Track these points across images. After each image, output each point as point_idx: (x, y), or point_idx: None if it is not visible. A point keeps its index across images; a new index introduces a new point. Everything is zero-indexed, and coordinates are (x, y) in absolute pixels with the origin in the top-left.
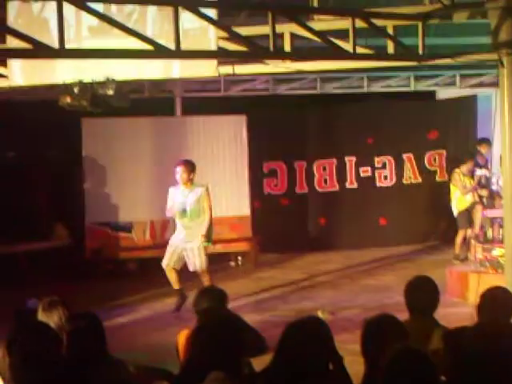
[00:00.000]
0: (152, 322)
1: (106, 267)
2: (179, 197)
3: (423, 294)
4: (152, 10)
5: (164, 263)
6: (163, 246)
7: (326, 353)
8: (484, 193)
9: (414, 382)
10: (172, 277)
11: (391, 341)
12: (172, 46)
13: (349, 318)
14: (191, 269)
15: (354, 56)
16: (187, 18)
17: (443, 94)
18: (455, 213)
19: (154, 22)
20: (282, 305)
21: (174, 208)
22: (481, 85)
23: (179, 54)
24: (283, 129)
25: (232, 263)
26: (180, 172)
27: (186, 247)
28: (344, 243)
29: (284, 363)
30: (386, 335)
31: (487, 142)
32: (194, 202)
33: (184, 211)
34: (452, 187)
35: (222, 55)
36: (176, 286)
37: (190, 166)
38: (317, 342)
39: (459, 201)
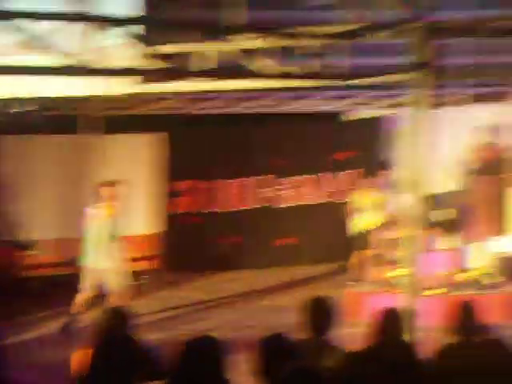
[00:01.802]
0: (54, 340)
1: (11, 285)
2: (99, 217)
3: (320, 313)
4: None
5: (82, 287)
6: (67, 264)
7: (221, 373)
8: (382, 216)
9: None
10: (83, 300)
11: (285, 360)
12: (94, 63)
13: (249, 337)
14: (106, 291)
15: (280, 75)
16: (112, 34)
17: (351, 114)
18: (353, 233)
19: (78, 38)
20: (181, 324)
21: (96, 230)
22: (394, 105)
23: (100, 70)
24: (193, 148)
25: (139, 282)
26: (104, 192)
27: (105, 269)
28: (247, 263)
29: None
30: (280, 355)
31: (387, 163)
32: (113, 222)
33: (104, 232)
34: (353, 207)
35: (144, 72)
36: (75, 310)
37: (116, 187)
38: (212, 361)
39: (357, 221)
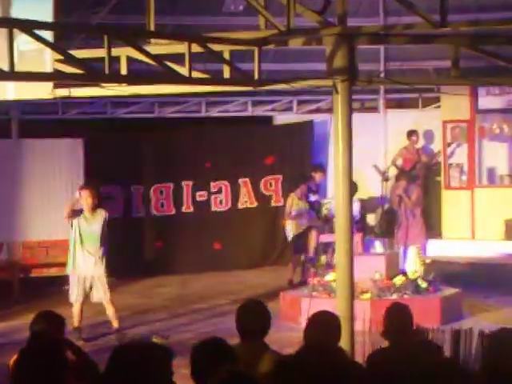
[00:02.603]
0: None
1: None
2: (84, 223)
3: (254, 318)
4: None
5: (73, 299)
6: None
7: (161, 378)
8: (313, 223)
9: None
10: (78, 312)
11: (220, 364)
12: (6, 68)
13: (182, 343)
14: (95, 299)
15: (190, 80)
16: (23, 40)
17: (280, 119)
18: (290, 237)
19: None
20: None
21: (77, 236)
22: (317, 110)
23: (13, 75)
24: (120, 152)
25: (67, 287)
26: (85, 197)
27: (94, 276)
28: (179, 267)
29: None
30: (215, 359)
31: (321, 168)
32: (97, 227)
33: (88, 238)
34: (284, 212)
35: (57, 77)
36: (77, 323)
37: (96, 191)
38: (149, 366)
39: (294, 225)
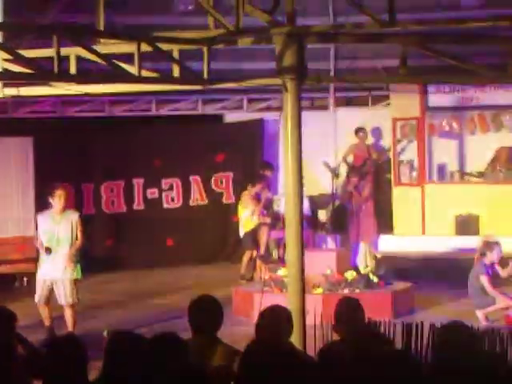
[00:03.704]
0: None
1: None
2: (49, 224)
3: (206, 312)
4: None
5: (36, 299)
6: None
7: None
8: (267, 219)
9: None
10: (44, 313)
11: (171, 359)
12: None
13: None
14: (62, 302)
15: (139, 79)
16: None
17: (231, 117)
18: (241, 233)
19: None
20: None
21: (45, 237)
22: (268, 109)
23: None
24: (70, 151)
25: (17, 284)
26: (59, 196)
27: (57, 278)
28: (132, 264)
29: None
30: (166, 354)
31: (271, 165)
32: (67, 228)
33: (56, 239)
34: (240, 208)
35: (5, 77)
36: (47, 322)
37: (67, 191)
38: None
39: (245, 222)
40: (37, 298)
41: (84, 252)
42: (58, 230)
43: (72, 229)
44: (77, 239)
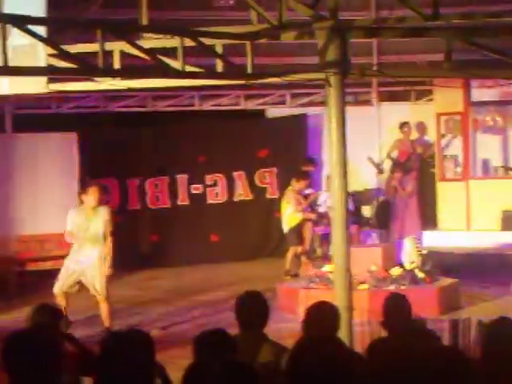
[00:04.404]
0: None
1: None
2: (82, 219)
3: (252, 309)
4: None
5: (56, 288)
6: None
7: (146, 367)
8: (311, 215)
9: None
10: (62, 302)
11: (221, 355)
12: (0, 63)
13: (180, 334)
14: (97, 296)
15: (183, 74)
16: (17, 35)
17: (273, 112)
18: (286, 229)
19: None
20: (114, 320)
21: (76, 231)
22: (311, 104)
23: (7, 70)
24: (115, 146)
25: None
26: (92, 193)
27: (87, 273)
28: (176, 260)
29: (107, 377)
30: (216, 349)
31: (314, 161)
32: (99, 224)
33: (88, 235)
34: (283, 204)
35: (50, 72)
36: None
37: (102, 188)
38: (136, 355)
39: (290, 218)
40: (58, 286)
41: (130, 248)
42: (89, 226)
43: (104, 224)
44: (107, 235)
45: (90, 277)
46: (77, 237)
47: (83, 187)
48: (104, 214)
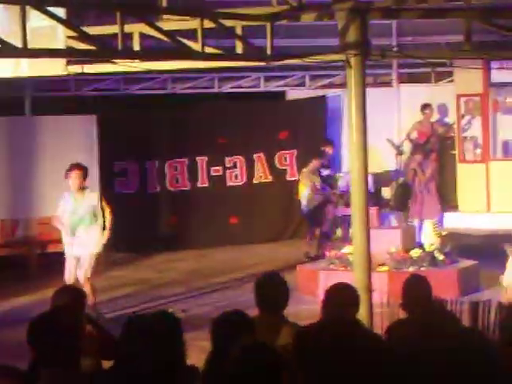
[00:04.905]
0: (2, 321)
1: None
2: (71, 203)
3: (272, 290)
4: None
5: (66, 278)
6: (14, 245)
7: (173, 348)
8: (330, 197)
9: (258, 375)
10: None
11: (238, 336)
12: (19, 45)
13: (200, 316)
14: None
15: (203, 55)
16: (36, 17)
17: (293, 94)
18: (305, 211)
19: (1, 21)
20: (133, 303)
21: (65, 216)
22: (330, 85)
23: (26, 52)
24: (134, 128)
25: None
26: (73, 177)
27: (79, 255)
28: (196, 242)
29: (128, 359)
30: (235, 331)
31: (331, 142)
32: (88, 208)
33: (77, 218)
34: (301, 186)
35: (70, 54)
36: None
37: (84, 171)
38: (161, 336)
39: (308, 199)
40: (67, 276)
41: (150, 230)
42: (77, 210)
43: (93, 208)
44: (97, 218)
45: (82, 259)
46: (66, 221)
47: (66, 171)
48: (91, 199)
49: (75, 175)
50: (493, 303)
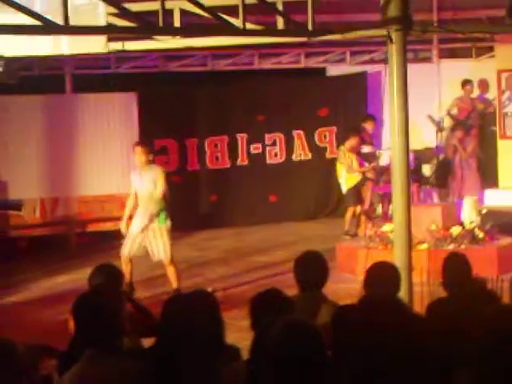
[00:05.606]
0: (43, 300)
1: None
2: (137, 180)
3: (312, 269)
4: None
5: (123, 252)
6: (53, 223)
7: (213, 327)
8: (370, 174)
9: (301, 352)
10: (127, 268)
11: (278, 314)
12: (60, 22)
13: (239, 295)
14: (155, 258)
15: (244, 32)
16: None
17: (333, 70)
18: (344, 190)
19: None
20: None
21: (134, 192)
22: (371, 61)
23: (67, 29)
24: (174, 106)
25: (122, 241)
26: (138, 153)
27: (149, 233)
28: (235, 220)
29: (168, 339)
30: (273, 310)
31: (372, 118)
32: (150, 185)
33: (144, 195)
34: (338, 165)
35: (110, 31)
36: (129, 277)
37: (148, 147)
38: (202, 315)
39: (348, 178)
40: (124, 251)
41: (190, 208)
42: (142, 186)
43: (154, 185)
44: (159, 192)
45: (153, 243)
46: (138, 198)
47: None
48: (154, 173)
49: (139, 151)
50: None
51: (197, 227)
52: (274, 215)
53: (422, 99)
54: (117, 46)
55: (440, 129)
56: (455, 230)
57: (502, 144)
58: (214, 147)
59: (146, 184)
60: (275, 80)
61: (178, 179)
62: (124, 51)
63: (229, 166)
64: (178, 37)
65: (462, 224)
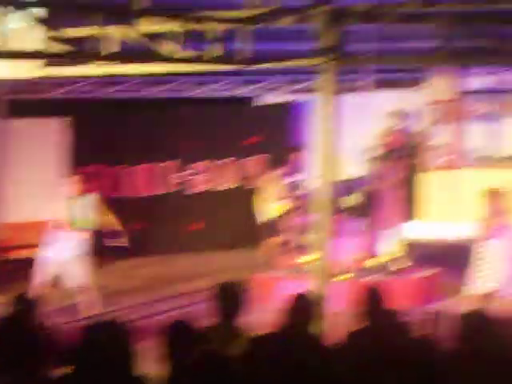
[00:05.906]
0: None
1: None
2: (69, 207)
3: (228, 299)
4: None
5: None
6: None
7: (126, 357)
8: (293, 204)
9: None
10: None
11: (190, 346)
12: None
13: (154, 324)
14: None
15: (175, 60)
16: (13, 18)
17: (267, 98)
18: (265, 219)
19: None
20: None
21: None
22: (303, 90)
23: (3, 54)
24: (105, 132)
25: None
26: (76, 181)
27: (67, 265)
28: (159, 248)
29: (83, 369)
30: (185, 341)
31: (298, 148)
32: (84, 211)
33: (74, 221)
34: (259, 196)
35: (43, 56)
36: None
37: (81, 175)
38: (115, 345)
39: (271, 208)
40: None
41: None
42: (74, 214)
43: (87, 214)
44: (92, 221)
45: (70, 270)
46: (64, 225)
47: (68, 176)
48: (87, 202)
49: (76, 180)
50: (453, 313)
51: (120, 255)
52: (198, 244)
53: (350, 129)
54: (50, 71)
55: (368, 159)
56: (373, 261)
57: (430, 175)
58: (141, 174)
59: (78, 212)
60: (204, 107)
61: (109, 205)
62: (58, 77)
63: (154, 193)
64: (110, 63)
65: (380, 255)
